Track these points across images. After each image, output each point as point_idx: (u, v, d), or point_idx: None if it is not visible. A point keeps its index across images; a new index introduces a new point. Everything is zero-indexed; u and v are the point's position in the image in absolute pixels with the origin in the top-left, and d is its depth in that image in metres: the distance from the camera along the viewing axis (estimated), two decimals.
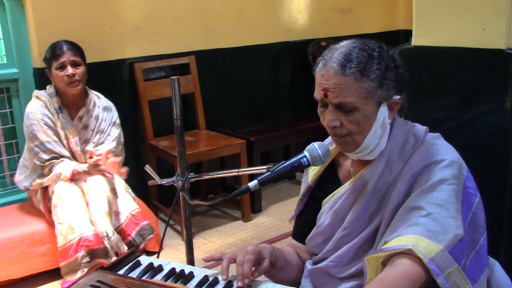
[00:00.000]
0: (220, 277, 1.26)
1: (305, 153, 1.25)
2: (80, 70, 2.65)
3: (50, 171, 2.62)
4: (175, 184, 1.68)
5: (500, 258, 1.47)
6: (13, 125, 3.07)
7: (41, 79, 2.93)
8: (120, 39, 3.27)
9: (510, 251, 1.87)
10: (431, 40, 2.05)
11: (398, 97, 1.23)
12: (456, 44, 1.96)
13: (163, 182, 1.71)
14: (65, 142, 2.68)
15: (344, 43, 1.23)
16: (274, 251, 1.34)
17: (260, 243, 3.07)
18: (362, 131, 1.21)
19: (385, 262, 1.12)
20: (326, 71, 1.19)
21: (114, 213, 2.65)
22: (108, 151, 2.59)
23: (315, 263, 1.38)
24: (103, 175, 2.64)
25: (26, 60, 3.03)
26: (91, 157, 2.60)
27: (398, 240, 1.10)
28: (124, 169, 2.66)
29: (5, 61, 3.03)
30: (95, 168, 2.57)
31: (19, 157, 2.90)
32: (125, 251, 2.53)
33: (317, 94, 1.23)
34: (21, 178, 2.76)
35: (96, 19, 3.15)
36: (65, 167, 2.60)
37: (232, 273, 1.24)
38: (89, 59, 3.08)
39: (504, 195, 1.88)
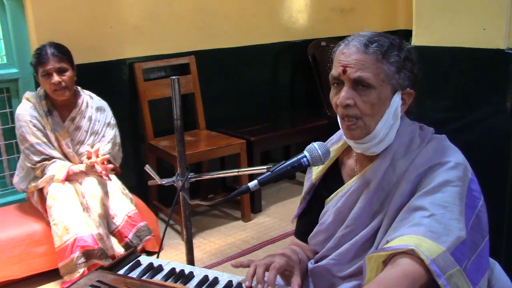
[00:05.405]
0: (220, 277, 1.26)
1: (305, 153, 1.25)
2: (67, 76, 2.56)
3: (43, 173, 2.59)
4: (175, 184, 1.68)
5: (500, 259, 1.48)
6: (13, 125, 3.06)
7: None
8: (120, 39, 3.27)
9: (510, 252, 1.87)
10: (431, 40, 2.05)
11: (412, 90, 1.25)
12: (456, 44, 1.96)
13: (163, 182, 1.71)
14: (55, 144, 2.64)
15: (366, 31, 1.26)
16: (298, 256, 1.34)
17: (260, 243, 3.07)
18: (374, 115, 1.22)
19: (386, 261, 1.12)
20: (347, 49, 1.22)
21: (109, 216, 2.64)
22: (96, 151, 2.54)
23: (316, 261, 1.38)
24: (100, 176, 2.58)
25: (26, 60, 3.02)
26: (89, 158, 2.56)
27: (401, 240, 1.10)
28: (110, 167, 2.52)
29: (5, 61, 3.03)
30: (92, 169, 2.52)
31: (19, 157, 2.90)
32: (121, 253, 2.51)
33: (335, 71, 1.24)
34: (17, 179, 2.76)
35: (96, 19, 3.15)
36: (58, 168, 2.57)
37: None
38: (89, 59, 3.09)
39: (504, 195, 1.88)
